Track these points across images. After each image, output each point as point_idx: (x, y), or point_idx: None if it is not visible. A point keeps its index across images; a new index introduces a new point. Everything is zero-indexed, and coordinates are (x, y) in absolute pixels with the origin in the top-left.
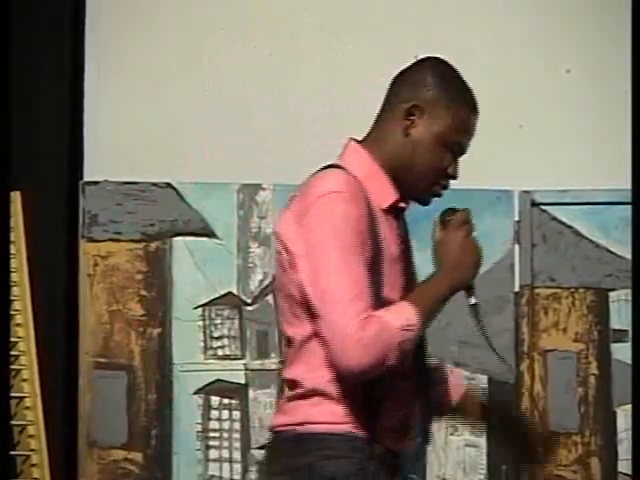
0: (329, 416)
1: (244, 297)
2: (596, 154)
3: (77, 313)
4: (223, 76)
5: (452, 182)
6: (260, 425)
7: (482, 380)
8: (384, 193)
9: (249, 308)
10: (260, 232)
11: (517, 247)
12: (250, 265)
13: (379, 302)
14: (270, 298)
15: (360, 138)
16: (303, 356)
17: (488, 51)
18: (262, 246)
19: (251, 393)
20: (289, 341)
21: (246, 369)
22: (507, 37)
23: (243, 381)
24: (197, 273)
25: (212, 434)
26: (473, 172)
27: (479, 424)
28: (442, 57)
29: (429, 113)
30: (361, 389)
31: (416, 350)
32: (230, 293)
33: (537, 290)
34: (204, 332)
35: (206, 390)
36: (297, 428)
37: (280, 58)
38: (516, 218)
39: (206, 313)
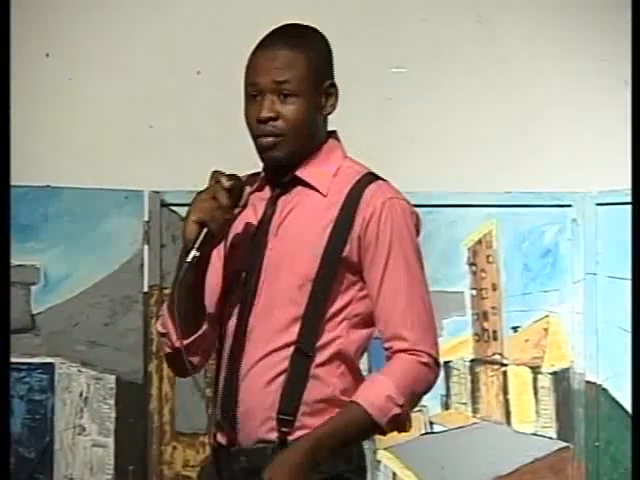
0: None
1: None
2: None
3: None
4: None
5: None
6: None
7: (110, 380)
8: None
9: None
10: None
11: (146, 247)
12: None
13: None
14: None
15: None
16: None
17: None
18: None
19: None
20: None
21: None
22: None
23: None
24: None
25: None
26: (103, 172)
27: None
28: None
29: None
30: None
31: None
32: None
33: (166, 290)
34: None
35: None
36: None
37: None
38: (146, 218)
39: None
